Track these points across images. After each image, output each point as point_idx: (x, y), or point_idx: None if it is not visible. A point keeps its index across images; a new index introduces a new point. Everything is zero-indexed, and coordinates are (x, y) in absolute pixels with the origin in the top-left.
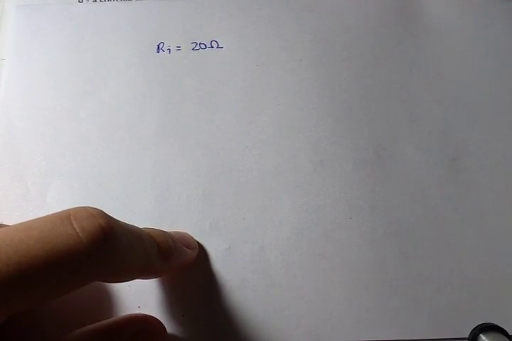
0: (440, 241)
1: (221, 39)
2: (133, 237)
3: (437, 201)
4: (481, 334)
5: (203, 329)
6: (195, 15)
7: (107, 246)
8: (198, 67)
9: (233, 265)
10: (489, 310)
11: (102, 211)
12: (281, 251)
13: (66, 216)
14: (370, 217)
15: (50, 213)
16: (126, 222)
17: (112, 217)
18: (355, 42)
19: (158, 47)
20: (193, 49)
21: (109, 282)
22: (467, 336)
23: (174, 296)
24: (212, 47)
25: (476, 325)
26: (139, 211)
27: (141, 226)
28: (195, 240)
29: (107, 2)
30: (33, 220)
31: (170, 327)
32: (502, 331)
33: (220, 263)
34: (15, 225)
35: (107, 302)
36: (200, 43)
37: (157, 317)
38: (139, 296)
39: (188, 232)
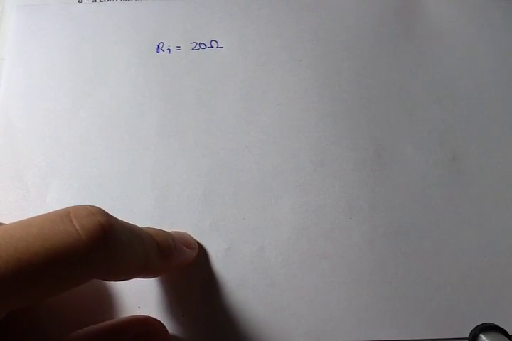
0: (440, 241)
1: (221, 39)
2: (132, 236)
3: (437, 201)
4: (481, 335)
5: (203, 329)
6: (195, 15)
7: (106, 244)
8: (197, 67)
9: (233, 265)
10: (489, 310)
11: (101, 209)
12: (281, 251)
13: (66, 214)
14: (370, 217)
15: None
16: (128, 222)
17: (111, 215)
18: (355, 42)
19: (158, 47)
20: (192, 49)
21: (109, 280)
22: (467, 336)
23: (174, 296)
24: (212, 47)
25: (476, 325)
26: (139, 211)
27: (141, 226)
28: (195, 240)
29: (106, 2)
30: (32, 218)
31: (170, 327)
32: (502, 331)
33: (220, 263)
34: (14, 223)
35: (107, 302)
36: (199, 43)
37: (157, 318)
38: (139, 296)
39: (188, 232)
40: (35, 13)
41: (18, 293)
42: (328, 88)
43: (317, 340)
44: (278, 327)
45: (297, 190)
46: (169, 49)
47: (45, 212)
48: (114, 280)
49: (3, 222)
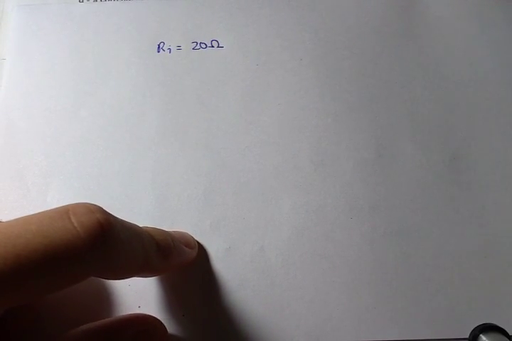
0: (440, 241)
1: (221, 38)
2: (131, 234)
3: (438, 201)
4: (481, 335)
5: (203, 329)
6: (196, 14)
7: (104, 242)
8: (198, 66)
9: (233, 265)
10: (489, 310)
11: (100, 207)
12: (281, 251)
13: (65, 211)
14: (370, 217)
15: None
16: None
17: (110, 213)
18: (356, 41)
19: (159, 47)
20: (193, 48)
21: (107, 278)
22: (467, 336)
23: (174, 296)
24: (212, 46)
25: (476, 325)
26: (139, 211)
27: (141, 226)
28: (195, 240)
29: (107, 2)
30: (31, 215)
31: (170, 327)
32: (502, 331)
33: (220, 263)
34: (13, 220)
35: (107, 301)
36: (200, 43)
37: (157, 317)
38: (139, 296)
39: (188, 232)
40: (35, 13)
41: (16, 290)
42: (329, 88)
43: (317, 340)
44: (278, 327)
45: (297, 189)
46: (170, 48)
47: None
48: (113, 279)
49: (2, 220)
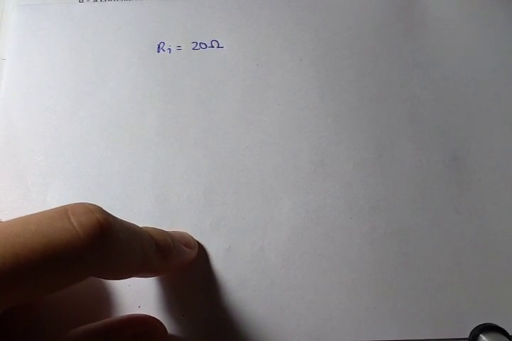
0: (440, 241)
1: (221, 39)
2: (131, 234)
3: (438, 201)
4: (481, 335)
5: (203, 329)
6: (196, 14)
7: (104, 241)
8: (198, 66)
9: (233, 265)
10: (489, 310)
11: (99, 207)
12: (281, 251)
13: (64, 211)
14: (370, 217)
15: None
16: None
17: (109, 213)
18: (356, 41)
19: (159, 47)
20: (193, 49)
21: (106, 278)
22: (467, 336)
23: (174, 296)
24: (212, 46)
25: (476, 325)
26: (139, 211)
27: (141, 226)
28: (194, 240)
29: (107, 2)
30: (31, 215)
31: (170, 327)
32: (502, 331)
33: (220, 263)
34: (13, 219)
35: (107, 301)
36: (200, 43)
37: (157, 317)
38: (139, 296)
39: (188, 232)
40: (35, 13)
41: (15, 289)
42: (329, 88)
43: (317, 340)
44: (278, 327)
45: (297, 190)
46: (170, 49)
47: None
48: (112, 279)
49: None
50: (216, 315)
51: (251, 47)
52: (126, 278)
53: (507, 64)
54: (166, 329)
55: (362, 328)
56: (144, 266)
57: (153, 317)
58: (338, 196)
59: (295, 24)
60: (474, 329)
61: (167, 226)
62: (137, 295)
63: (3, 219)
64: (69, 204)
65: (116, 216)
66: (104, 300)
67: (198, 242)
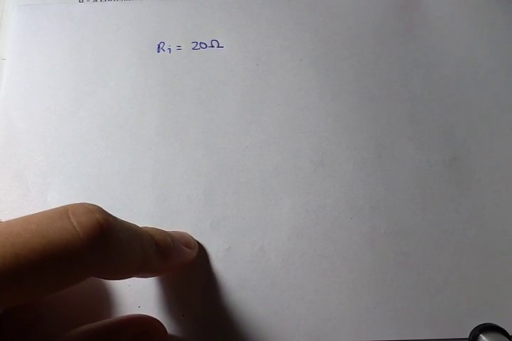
0: (440, 241)
1: (221, 38)
2: (131, 234)
3: (438, 201)
4: (481, 335)
5: (203, 329)
6: (196, 14)
7: (104, 242)
8: (198, 66)
9: (233, 265)
10: (489, 310)
11: (99, 207)
12: (281, 251)
13: (64, 211)
14: (370, 217)
15: None
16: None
17: (109, 214)
18: (356, 41)
19: (159, 47)
20: (193, 48)
21: (106, 278)
22: (467, 336)
23: (174, 296)
24: (212, 46)
25: (476, 325)
26: (139, 211)
27: (141, 226)
28: (194, 240)
29: (107, 2)
30: (31, 215)
31: (170, 327)
32: (502, 331)
33: (220, 263)
34: (13, 219)
35: (107, 301)
36: (200, 43)
37: (157, 317)
38: (139, 296)
39: (188, 232)
40: (35, 13)
41: (15, 289)
42: (329, 88)
43: (317, 340)
44: (278, 327)
45: (297, 190)
46: (170, 48)
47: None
48: (112, 279)
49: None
50: (216, 315)
51: (251, 47)
52: (126, 278)
53: (507, 64)
54: (165, 329)
55: (362, 328)
56: (144, 266)
57: (153, 318)
58: (338, 196)
59: (295, 24)
60: (474, 329)
61: (167, 226)
62: (137, 295)
63: (3, 219)
64: (69, 205)
65: (116, 216)
66: (104, 300)
67: (198, 242)
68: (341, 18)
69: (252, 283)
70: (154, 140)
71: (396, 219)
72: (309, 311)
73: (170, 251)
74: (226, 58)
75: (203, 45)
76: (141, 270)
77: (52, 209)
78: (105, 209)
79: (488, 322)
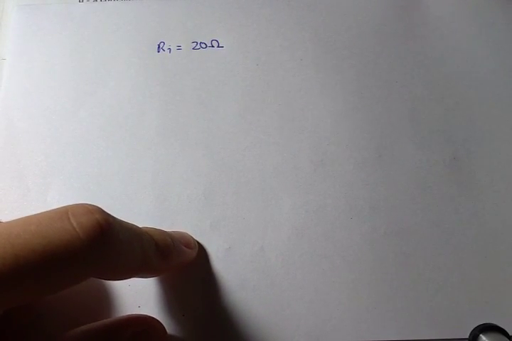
0: (440, 241)
1: (221, 38)
2: (131, 234)
3: (438, 201)
4: (481, 335)
5: (203, 329)
6: (196, 14)
7: (104, 242)
8: (198, 66)
9: (233, 265)
10: (489, 310)
11: (99, 207)
12: (281, 251)
13: (64, 211)
14: (370, 217)
15: None
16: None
17: (109, 214)
18: (356, 41)
19: (159, 47)
20: (193, 48)
21: (106, 279)
22: (467, 336)
23: (174, 296)
24: (212, 46)
25: (476, 325)
26: (139, 211)
27: (140, 226)
28: (194, 240)
29: (107, 2)
30: (31, 216)
31: (170, 327)
32: (502, 331)
33: (220, 263)
34: (13, 220)
35: (107, 301)
36: (200, 42)
37: (157, 317)
38: (139, 296)
39: (188, 232)
40: (35, 13)
41: (15, 290)
42: (329, 88)
43: (317, 340)
44: (278, 327)
45: (297, 190)
46: (170, 48)
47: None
48: (112, 279)
49: (2, 220)
50: (216, 315)
51: (251, 47)
52: (126, 278)
53: (507, 64)
54: (165, 329)
55: (362, 328)
56: (143, 267)
57: (153, 317)
58: (338, 196)
59: (295, 24)
60: (474, 329)
61: (167, 226)
62: (137, 295)
63: (3, 220)
64: (69, 205)
65: (116, 216)
66: (104, 300)
67: (198, 242)
68: (341, 18)
69: (252, 283)
70: (154, 140)
71: (396, 219)
72: (309, 311)
73: (170, 251)
74: (226, 58)
75: (203, 45)
76: (141, 270)
77: (52, 210)
78: (105, 210)
79: (488, 322)
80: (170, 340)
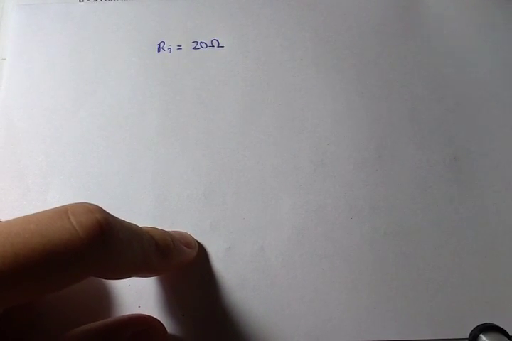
0: (440, 241)
1: (222, 38)
2: (131, 234)
3: (438, 201)
4: (481, 335)
5: (203, 329)
6: (196, 14)
7: (103, 241)
8: (198, 66)
9: (233, 265)
10: (489, 310)
11: (99, 207)
12: (281, 251)
13: (64, 211)
14: (370, 217)
15: None
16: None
17: (109, 213)
18: (356, 41)
19: (159, 47)
20: (193, 48)
21: (106, 278)
22: (467, 336)
23: (174, 296)
24: (212, 46)
25: (476, 325)
26: (139, 211)
27: (141, 226)
28: (194, 239)
29: (107, 1)
30: (31, 215)
31: (170, 327)
32: (502, 331)
33: (220, 263)
34: (13, 219)
35: (107, 301)
36: (200, 42)
37: (157, 317)
38: (139, 296)
39: (188, 232)
40: (35, 13)
41: (15, 289)
42: (329, 87)
43: (317, 340)
44: (278, 327)
45: (297, 190)
46: (170, 48)
47: None
48: (112, 279)
49: (2, 220)
50: (216, 315)
51: (251, 47)
52: (126, 277)
53: (507, 63)
54: (165, 329)
55: (362, 328)
56: (143, 266)
57: (153, 317)
58: (338, 196)
59: (295, 24)
60: (474, 329)
61: (167, 226)
62: (137, 295)
63: (3, 219)
64: (69, 204)
65: (116, 216)
66: (104, 300)
67: (198, 242)
68: (342, 18)
69: (252, 283)
70: (154, 140)
71: (396, 219)
72: (309, 311)
73: (170, 250)
74: (226, 58)
75: (204, 45)
76: (140, 269)
77: (51, 209)
78: (105, 209)
79: (488, 322)
80: (170, 340)
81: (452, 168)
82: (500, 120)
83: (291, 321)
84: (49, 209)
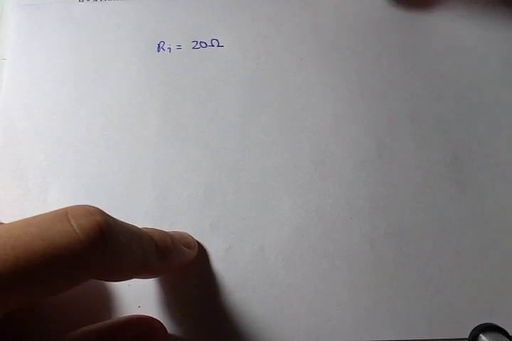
0: (440, 241)
1: (222, 38)
2: (131, 235)
3: (438, 201)
4: (481, 335)
5: (203, 329)
6: (196, 13)
7: (104, 244)
8: (198, 66)
9: (233, 265)
10: (489, 310)
11: (99, 209)
12: (281, 251)
13: (64, 213)
14: (370, 217)
15: None
16: (126, 222)
17: (109, 215)
18: (357, 40)
19: (159, 46)
20: (193, 48)
21: (107, 280)
22: (467, 336)
23: (174, 296)
24: (212, 45)
25: (476, 325)
26: (139, 211)
27: (141, 226)
28: (194, 240)
29: (107, 1)
30: (31, 217)
31: (170, 327)
32: (502, 331)
33: (220, 263)
34: (13, 222)
35: (107, 302)
36: (200, 42)
37: (157, 317)
38: (139, 296)
39: (188, 232)
40: (35, 13)
41: (16, 292)
42: (329, 87)
43: (317, 340)
44: (278, 327)
45: (297, 189)
46: (170, 48)
47: (46, 212)
48: (113, 281)
49: (3, 222)
50: (216, 315)
51: (251, 46)
52: (126, 279)
53: (507, 64)
54: (166, 329)
55: (362, 328)
56: (144, 267)
57: (153, 318)
58: (338, 196)
59: (295, 23)
60: (474, 329)
61: (167, 226)
62: (137, 295)
63: (4, 220)
64: (69, 207)
65: (116, 216)
66: (105, 301)
67: (198, 242)
68: (342, 17)
69: (252, 283)
70: (154, 140)
71: (396, 219)
72: (309, 311)
73: (170, 251)
74: (226, 57)
75: (203, 44)
76: (141, 271)
77: (52, 212)
78: (105, 210)
79: (488, 322)
80: (170, 340)
81: (452, 167)
82: (501, 120)
83: (291, 321)
84: (49, 212)
